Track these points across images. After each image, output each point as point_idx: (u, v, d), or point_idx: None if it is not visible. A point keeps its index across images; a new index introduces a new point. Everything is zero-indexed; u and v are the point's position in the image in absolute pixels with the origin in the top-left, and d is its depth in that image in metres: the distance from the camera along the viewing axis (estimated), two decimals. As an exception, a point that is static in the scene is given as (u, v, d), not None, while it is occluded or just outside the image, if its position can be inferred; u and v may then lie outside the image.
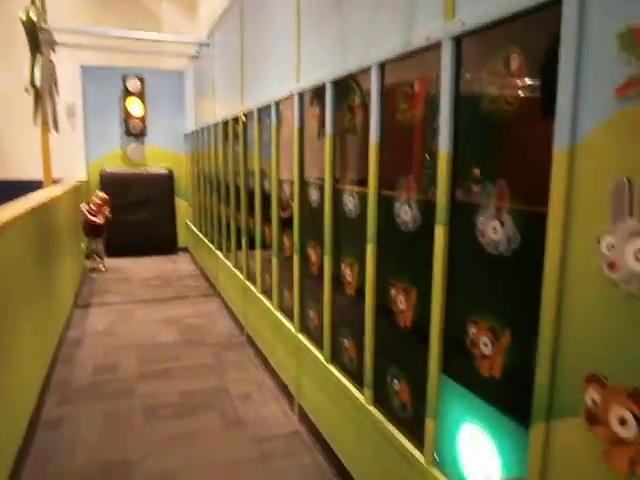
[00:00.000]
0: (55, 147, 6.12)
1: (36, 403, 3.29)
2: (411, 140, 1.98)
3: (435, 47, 1.70)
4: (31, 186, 5.56)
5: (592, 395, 1.16)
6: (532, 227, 1.37)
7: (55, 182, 6.45)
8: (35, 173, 6.72)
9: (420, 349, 1.91)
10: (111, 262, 7.87)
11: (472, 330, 1.61)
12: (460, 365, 1.71)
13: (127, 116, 8.41)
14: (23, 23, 5.00)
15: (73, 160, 8.20)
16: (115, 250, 8.20)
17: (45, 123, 5.68)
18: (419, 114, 1.89)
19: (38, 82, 5.28)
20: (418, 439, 1.93)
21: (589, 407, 1.16)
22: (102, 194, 7.52)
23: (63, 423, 3.27)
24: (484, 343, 1.56)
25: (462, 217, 1.64)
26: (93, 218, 7.26)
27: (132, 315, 5.50)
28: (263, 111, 3.83)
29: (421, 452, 1.90)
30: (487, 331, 1.55)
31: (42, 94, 5.48)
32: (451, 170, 1.66)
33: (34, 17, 5.15)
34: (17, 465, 2.67)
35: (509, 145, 1.56)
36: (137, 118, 8.44)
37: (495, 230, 1.46)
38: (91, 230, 7.36)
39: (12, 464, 2.59)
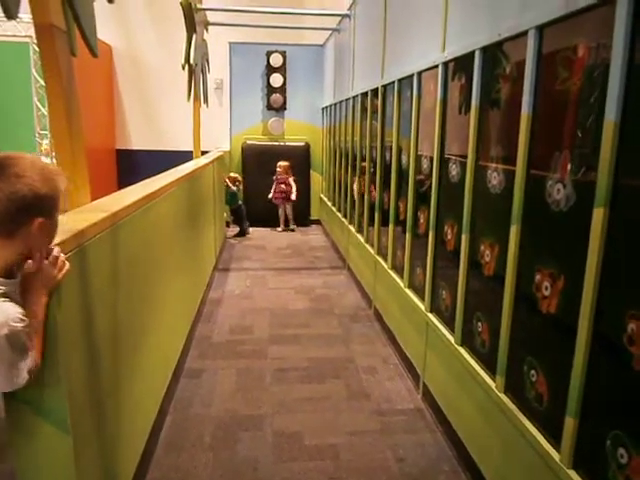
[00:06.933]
0: (203, 120, 6.54)
1: (180, 355, 3.62)
2: (572, 111, 1.79)
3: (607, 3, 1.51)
4: (183, 156, 6.04)
5: None
6: None
7: (203, 153, 6.93)
8: (185, 145, 7.28)
9: (562, 339, 1.76)
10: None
11: (631, 326, 1.44)
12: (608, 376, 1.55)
13: (269, 90, 8.75)
14: (181, 5, 5.35)
15: (219, 133, 8.75)
16: (252, 219, 8.66)
17: (197, 98, 6.09)
18: (582, 83, 1.70)
19: (192, 60, 5.66)
20: (555, 437, 1.80)
21: None
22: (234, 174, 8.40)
23: (202, 374, 3.56)
24: (645, 341, 1.39)
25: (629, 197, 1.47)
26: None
27: (266, 281, 5.80)
28: (404, 83, 3.74)
29: (557, 450, 1.78)
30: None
31: (195, 71, 5.87)
32: (617, 142, 1.47)
33: (191, -1, 5.49)
34: (163, 407, 2.97)
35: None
36: (278, 92, 8.73)
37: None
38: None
39: (159, 407, 2.89)
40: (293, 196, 8.39)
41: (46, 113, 7.00)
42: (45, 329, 1.44)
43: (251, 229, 8.36)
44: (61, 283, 1.47)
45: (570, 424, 1.69)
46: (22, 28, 7.04)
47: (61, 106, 1.99)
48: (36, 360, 1.39)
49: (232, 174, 8.32)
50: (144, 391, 2.58)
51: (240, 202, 8.35)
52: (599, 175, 1.55)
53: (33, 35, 5.73)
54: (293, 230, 8.61)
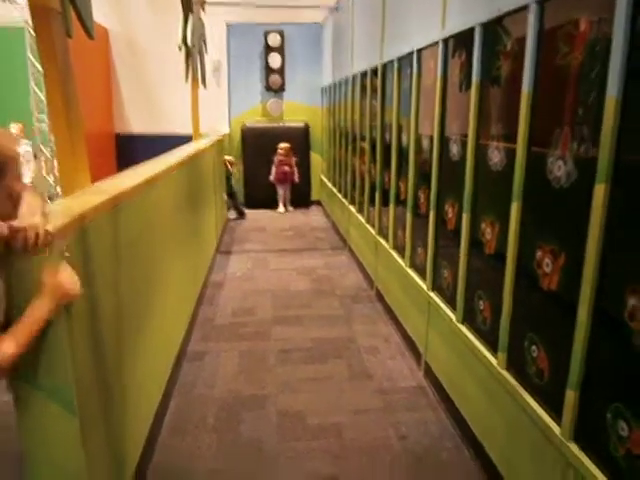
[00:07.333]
0: (201, 103, 6.49)
1: (183, 338, 3.64)
2: (572, 88, 1.78)
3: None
4: (182, 140, 6.00)
5: None
6: None
7: (202, 136, 6.88)
8: (184, 128, 7.23)
9: (563, 315, 1.77)
10: (248, 213, 8.35)
11: (631, 302, 1.44)
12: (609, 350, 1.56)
13: (268, 71, 8.66)
14: (177, -17, 5.27)
15: (217, 115, 8.68)
16: (252, 201, 8.65)
17: (195, 80, 6.03)
18: (583, 59, 1.69)
19: (190, 40, 5.59)
20: (556, 411, 1.82)
21: None
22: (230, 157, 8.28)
23: (205, 357, 3.59)
24: (645, 316, 1.39)
25: (630, 173, 1.46)
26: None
27: (267, 263, 5.81)
28: (403, 61, 3.71)
29: (558, 424, 1.80)
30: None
31: (192, 52, 5.81)
32: (619, 118, 1.47)
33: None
34: (167, 390, 3.00)
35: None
36: (277, 73, 8.66)
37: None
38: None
39: (163, 390, 2.92)
40: (296, 178, 8.45)
41: (43, 98, 6.95)
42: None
43: (250, 211, 8.36)
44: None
45: (571, 397, 1.71)
46: (18, 12, 6.96)
47: (58, 89, 1.97)
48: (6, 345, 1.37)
49: (227, 157, 8.16)
50: (148, 375, 2.60)
51: (233, 186, 8.24)
52: (600, 151, 1.54)
53: (29, 20, 5.67)
54: (289, 211, 8.75)
